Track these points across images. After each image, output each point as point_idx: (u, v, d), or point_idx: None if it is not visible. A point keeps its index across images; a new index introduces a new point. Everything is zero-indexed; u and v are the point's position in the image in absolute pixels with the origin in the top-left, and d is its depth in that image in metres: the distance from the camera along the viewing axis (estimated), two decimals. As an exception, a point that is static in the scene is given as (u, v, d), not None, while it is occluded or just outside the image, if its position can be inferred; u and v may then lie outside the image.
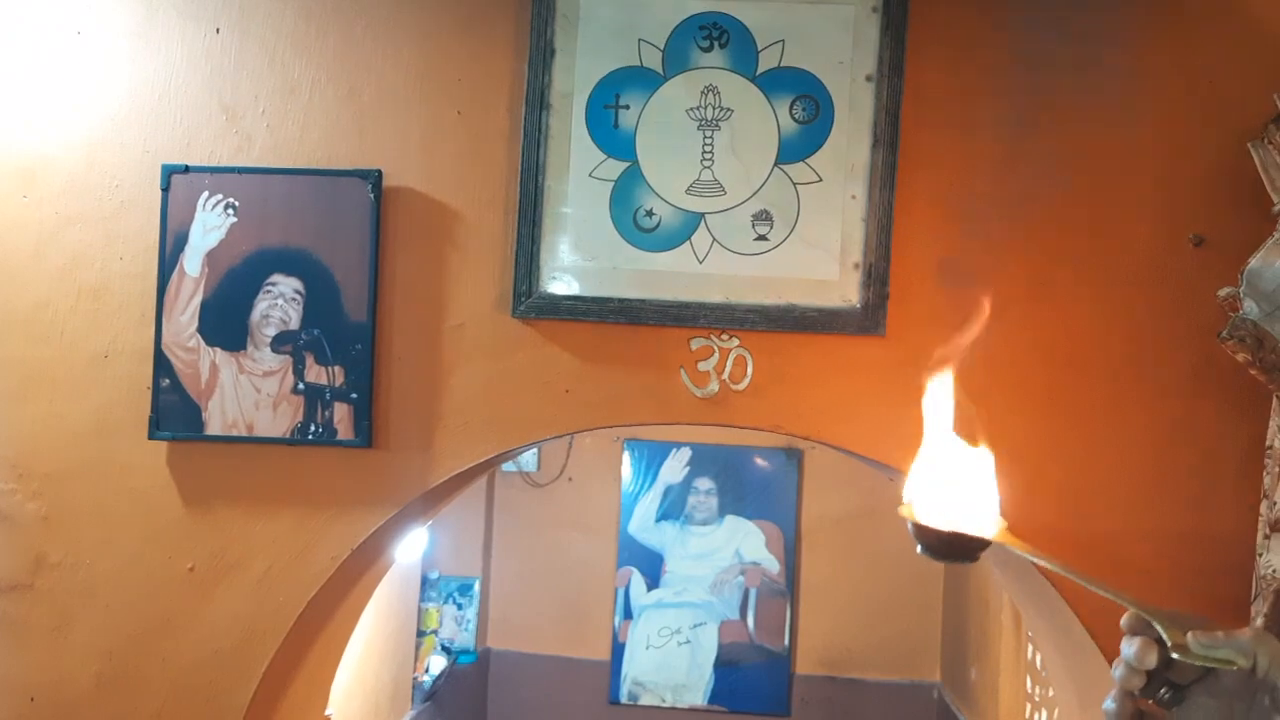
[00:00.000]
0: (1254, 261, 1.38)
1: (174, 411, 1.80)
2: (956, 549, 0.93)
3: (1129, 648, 0.85)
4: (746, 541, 5.36)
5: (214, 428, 1.80)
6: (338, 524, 1.80)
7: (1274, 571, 1.45)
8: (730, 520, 5.37)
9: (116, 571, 1.82)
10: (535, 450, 5.42)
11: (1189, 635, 0.82)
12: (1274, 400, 1.55)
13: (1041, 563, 0.91)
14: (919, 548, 0.93)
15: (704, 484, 5.38)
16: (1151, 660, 0.83)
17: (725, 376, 1.76)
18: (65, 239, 1.83)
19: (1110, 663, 1.64)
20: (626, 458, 5.42)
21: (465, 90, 1.80)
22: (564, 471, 5.48)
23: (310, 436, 1.79)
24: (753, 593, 5.34)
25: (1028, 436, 1.71)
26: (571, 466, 5.48)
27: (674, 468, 5.38)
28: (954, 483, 0.94)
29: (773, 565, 5.34)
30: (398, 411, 1.80)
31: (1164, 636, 0.82)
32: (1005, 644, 3.93)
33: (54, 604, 1.83)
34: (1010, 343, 1.71)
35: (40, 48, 1.84)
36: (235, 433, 1.80)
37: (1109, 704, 0.87)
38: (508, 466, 5.42)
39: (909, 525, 0.92)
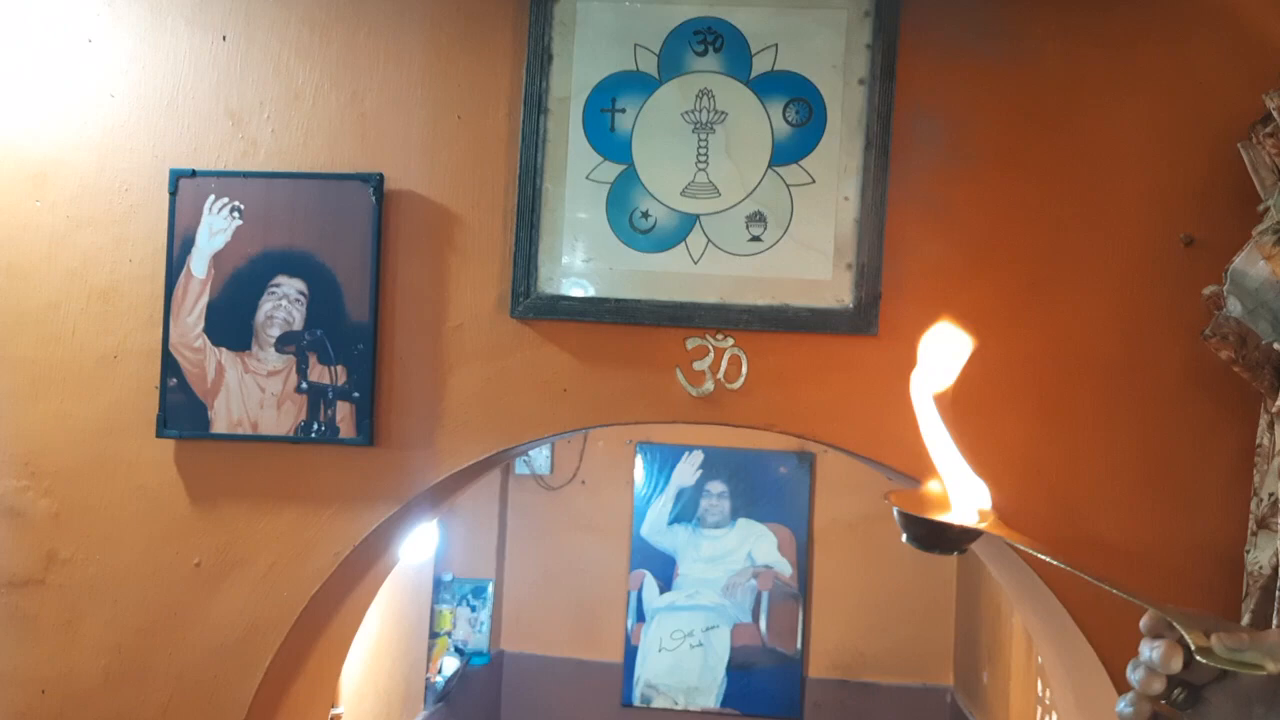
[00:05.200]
0: (1238, 260, 1.40)
1: (181, 410, 1.84)
2: (944, 539, 0.91)
3: (1151, 650, 0.81)
4: (759, 544, 5.37)
5: (220, 426, 1.84)
6: (340, 521, 1.84)
7: (1260, 568, 1.45)
8: (742, 523, 5.38)
9: (125, 567, 1.86)
10: (548, 453, 5.46)
11: (1213, 638, 0.78)
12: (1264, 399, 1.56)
13: (1039, 555, 0.87)
14: (904, 537, 0.92)
15: (716, 487, 5.39)
16: (1177, 664, 0.80)
17: (720, 376, 1.79)
18: (76, 242, 1.88)
19: (1101, 659, 1.66)
20: (639, 461, 5.44)
21: (465, 95, 1.83)
22: (577, 474, 5.52)
23: (313, 435, 1.82)
24: (765, 596, 5.35)
25: (1019, 437, 1.72)
26: (584, 470, 5.52)
27: (686, 471, 5.41)
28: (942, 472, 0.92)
29: (785, 568, 5.35)
30: (399, 410, 1.83)
31: (1186, 639, 0.79)
32: (1016, 647, 3.93)
33: (64, 599, 1.87)
34: (1001, 344, 1.73)
35: (52, 55, 1.89)
36: (240, 431, 1.83)
37: (1125, 707, 0.83)
38: (521, 469, 5.46)
39: (895, 514, 0.90)
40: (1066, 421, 1.71)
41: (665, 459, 5.41)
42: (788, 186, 1.76)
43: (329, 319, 1.82)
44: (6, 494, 1.88)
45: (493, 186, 1.82)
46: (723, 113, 1.77)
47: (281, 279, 1.82)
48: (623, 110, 1.79)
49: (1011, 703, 3.94)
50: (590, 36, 1.79)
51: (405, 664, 4.04)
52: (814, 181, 1.76)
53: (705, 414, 1.79)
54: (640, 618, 5.42)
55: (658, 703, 5.39)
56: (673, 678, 5.38)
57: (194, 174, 1.84)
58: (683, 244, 1.78)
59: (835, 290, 1.75)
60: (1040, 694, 3.69)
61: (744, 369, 1.78)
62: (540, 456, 5.46)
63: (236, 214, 1.83)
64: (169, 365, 1.84)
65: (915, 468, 1.74)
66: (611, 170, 1.79)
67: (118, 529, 1.87)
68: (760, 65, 1.76)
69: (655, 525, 5.43)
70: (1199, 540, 1.67)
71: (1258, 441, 1.58)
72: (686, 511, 5.41)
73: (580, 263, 1.80)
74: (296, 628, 1.85)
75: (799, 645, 5.34)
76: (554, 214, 1.80)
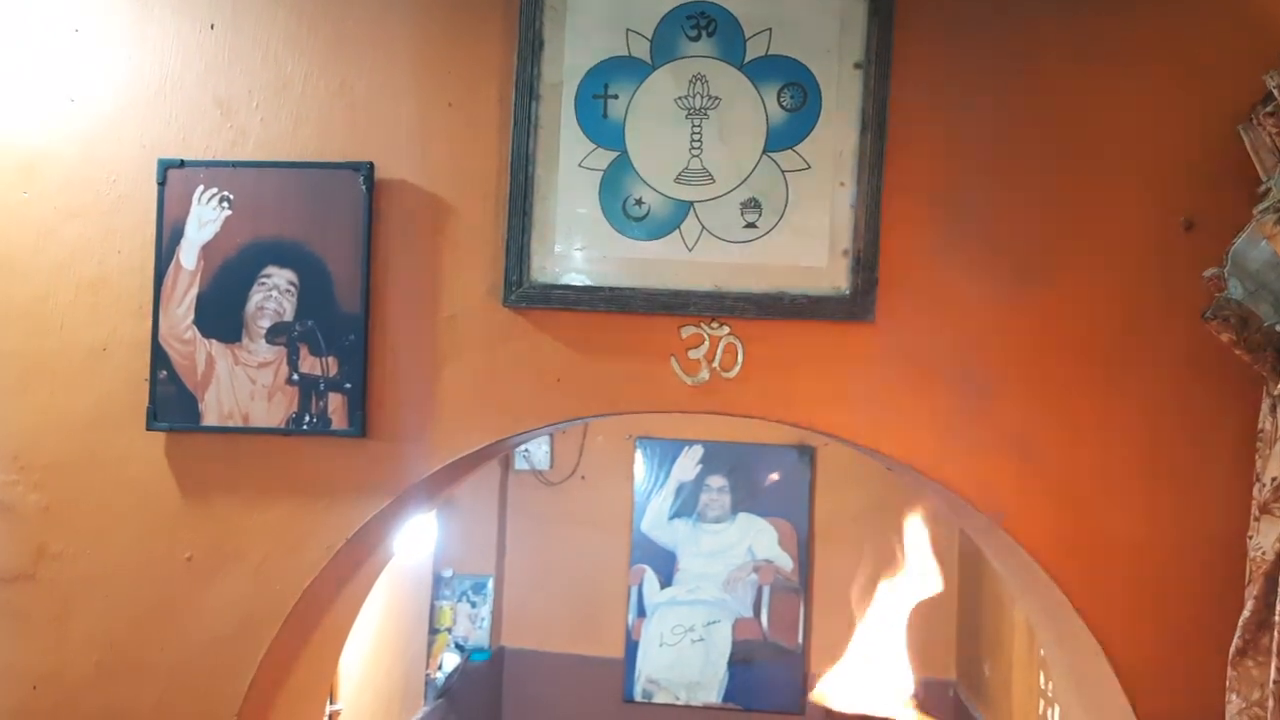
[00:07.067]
0: (1239, 241, 1.38)
1: (171, 403, 1.82)
2: None
3: None
4: (759, 539, 5.34)
5: (210, 418, 1.82)
6: (332, 513, 1.82)
7: (1263, 553, 1.43)
8: (743, 517, 5.36)
9: (116, 561, 1.84)
10: (548, 449, 5.44)
11: None
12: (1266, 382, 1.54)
13: None
14: None
15: (716, 481, 5.37)
16: None
17: (716, 364, 1.77)
18: (64, 233, 1.86)
19: (1104, 650, 1.64)
20: (639, 455, 5.41)
21: (456, 82, 1.81)
22: (577, 470, 5.49)
23: (305, 426, 1.80)
24: (766, 590, 5.32)
25: (1021, 421, 1.70)
26: (584, 465, 5.49)
27: (686, 465, 5.38)
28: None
29: (786, 562, 5.32)
30: (391, 401, 1.81)
31: None
32: (1019, 640, 3.90)
33: (55, 593, 1.85)
34: (1001, 328, 1.71)
35: (39, 45, 1.87)
36: (231, 423, 1.82)
37: None
38: (520, 465, 5.44)
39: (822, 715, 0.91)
40: (1067, 405, 1.69)
41: (665, 453, 5.39)
42: (783, 172, 1.74)
43: (320, 309, 1.80)
44: (-4, 488, 1.86)
45: (484, 174, 1.80)
46: (716, 98, 1.75)
47: (272, 269, 1.81)
48: (615, 96, 1.77)
49: (1014, 695, 3.92)
50: (582, 21, 1.77)
51: (405, 660, 4.02)
52: (809, 167, 1.73)
53: (701, 403, 1.77)
54: (641, 613, 5.39)
55: (659, 698, 5.37)
56: (674, 673, 5.36)
57: (182, 164, 1.82)
58: (677, 231, 1.76)
59: (831, 277, 1.73)
60: (1042, 686, 3.67)
61: (740, 357, 1.76)
62: (539, 452, 5.43)
63: (226, 204, 1.81)
64: (159, 357, 1.82)
65: (911, 456, 1.72)
66: (604, 157, 1.77)
67: (108, 523, 1.85)
68: (754, 49, 1.74)
69: (655, 520, 5.41)
70: (1201, 526, 1.65)
71: (1260, 426, 1.56)
72: (687, 506, 5.39)
73: (573, 251, 1.78)
74: (290, 621, 1.83)
75: (800, 639, 5.31)
76: (546, 202, 1.78)
